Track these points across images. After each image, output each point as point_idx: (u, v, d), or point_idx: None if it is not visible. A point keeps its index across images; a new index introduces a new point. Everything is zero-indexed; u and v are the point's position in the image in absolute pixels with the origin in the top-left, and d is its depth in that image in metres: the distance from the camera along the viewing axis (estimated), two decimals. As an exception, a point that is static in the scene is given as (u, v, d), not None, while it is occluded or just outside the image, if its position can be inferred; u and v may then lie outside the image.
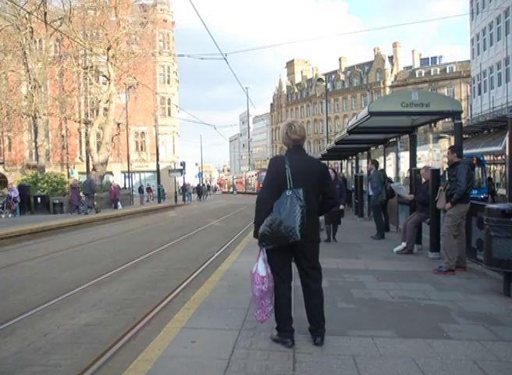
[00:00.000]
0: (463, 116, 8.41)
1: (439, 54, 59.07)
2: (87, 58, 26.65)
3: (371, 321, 3.84)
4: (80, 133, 33.65)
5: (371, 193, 8.72)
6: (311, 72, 74.37)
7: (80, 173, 33.80)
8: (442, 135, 34.16)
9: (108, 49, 24.84)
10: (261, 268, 3.19)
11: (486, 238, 4.74)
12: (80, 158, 36.85)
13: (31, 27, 24.19)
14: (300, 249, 3.22)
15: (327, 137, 32.21)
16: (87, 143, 26.80)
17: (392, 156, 11.24)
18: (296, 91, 77.45)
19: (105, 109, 26.11)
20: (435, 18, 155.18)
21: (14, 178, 32.52)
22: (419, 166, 9.50)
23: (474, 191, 14.82)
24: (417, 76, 56.85)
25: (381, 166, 11.61)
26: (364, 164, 15.85)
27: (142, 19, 27.99)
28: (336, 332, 3.48)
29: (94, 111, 29.76)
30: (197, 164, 58.32)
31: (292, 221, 3.02)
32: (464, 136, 19.51)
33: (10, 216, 18.46)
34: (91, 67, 26.56)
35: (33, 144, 28.86)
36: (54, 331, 4.15)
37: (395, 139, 10.15)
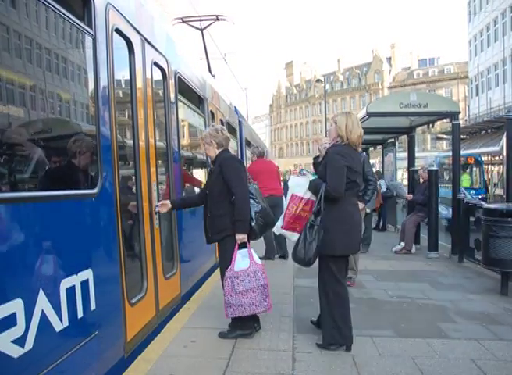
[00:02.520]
0: (461, 116, 8.43)
1: (437, 55, 59.26)
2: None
3: (370, 320, 3.85)
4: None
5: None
6: (309, 73, 74.40)
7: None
8: (440, 136, 34.19)
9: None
10: (257, 258, 3.33)
11: (484, 238, 4.77)
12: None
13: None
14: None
15: (325, 138, 32.22)
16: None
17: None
18: (295, 92, 77.49)
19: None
20: (433, 18, 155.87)
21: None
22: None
23: (472, 191, 14.87)
24: (415, 77, 56.92)
25: (379, 166, 11.64)
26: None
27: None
28: (335, 331, 3.50)
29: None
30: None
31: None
32: (461, 136, 19.56)
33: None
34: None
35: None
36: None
37: (393, 140, 10.19)
